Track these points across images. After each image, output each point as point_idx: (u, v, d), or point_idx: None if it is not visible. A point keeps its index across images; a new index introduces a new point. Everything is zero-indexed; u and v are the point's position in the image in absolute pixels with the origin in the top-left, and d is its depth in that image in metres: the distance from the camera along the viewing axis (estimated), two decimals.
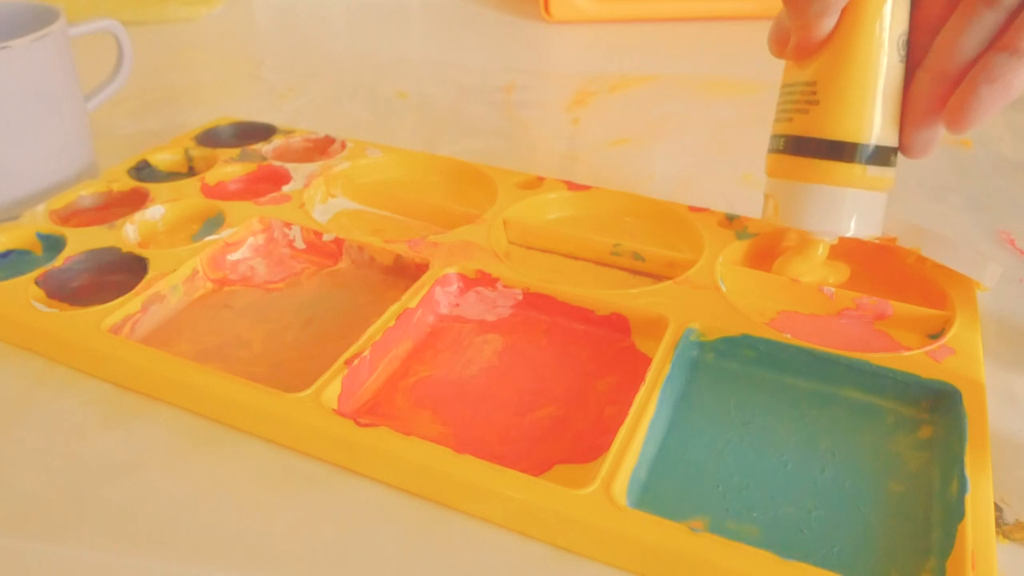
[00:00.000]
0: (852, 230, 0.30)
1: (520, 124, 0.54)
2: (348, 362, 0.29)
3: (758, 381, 0.30)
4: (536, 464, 0.27)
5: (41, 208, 0.38)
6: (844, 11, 0.28)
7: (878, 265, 0.36)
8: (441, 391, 0.30)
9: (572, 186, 0.41)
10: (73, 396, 0.30)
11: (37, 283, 0.33)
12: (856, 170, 0.29)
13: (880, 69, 0.29)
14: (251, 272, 0.36)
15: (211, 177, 0.42)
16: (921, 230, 0.33)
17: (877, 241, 0.34)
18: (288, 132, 0.46)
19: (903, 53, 0.29)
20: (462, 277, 0.35)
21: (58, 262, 0.34)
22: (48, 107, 0.40)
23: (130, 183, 0.41)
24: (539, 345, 0.32)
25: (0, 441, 0.28)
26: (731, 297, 0.33)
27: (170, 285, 0.34)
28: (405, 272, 0.35)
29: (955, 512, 0.24)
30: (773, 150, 0.32)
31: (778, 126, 0.31)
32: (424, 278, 0.34)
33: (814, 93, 0.30)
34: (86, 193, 0.40)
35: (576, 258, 0.38)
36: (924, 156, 0.30)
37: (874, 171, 0.30)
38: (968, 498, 0.24)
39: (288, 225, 0.38)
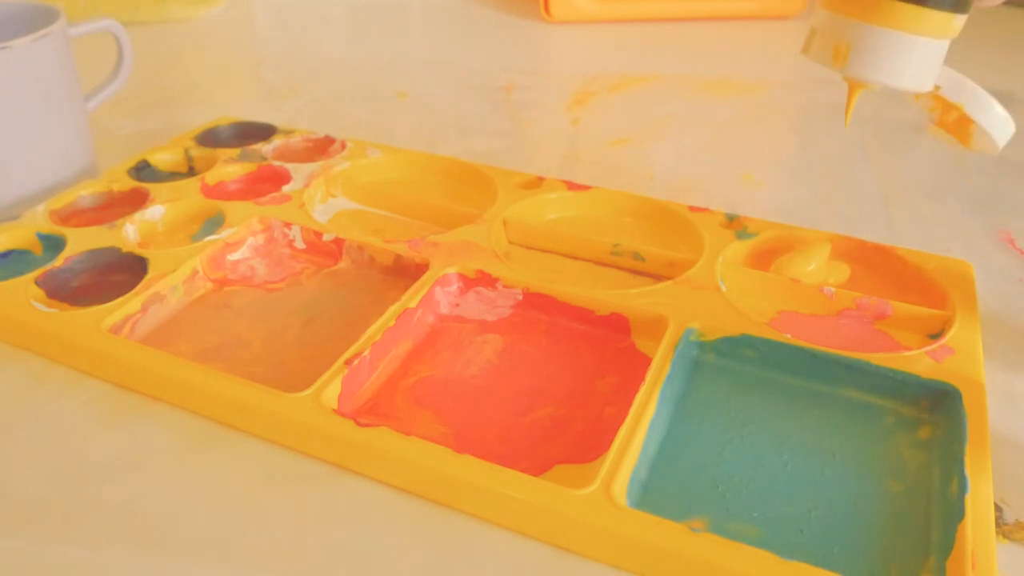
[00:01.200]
0: (922, 84, 0.28)
1: (520, 124, 0.54)
2: (348, 362, 0.29)
3: (758, 381, 0.30)
4: (536, 464, 0.27)
5: (41, 208, 0.38)
6: None
7: (878, 265, 0.36)
8: (441, 391, 0.30)
9: (572, 186, 0.41)
10: (73, 396, 0.30)
11: (37, 283, 0.33)
12: (949, 18, 0.27)
13: None
14: (251, 272, 0.36)
15: (211, 177, 0.42)
16: (962, 81, 0.31)
17: (927, 94, 0.31)
18: (288, 132, 0.46)
19: None
20: (462, 277, 0.35)
21: (58, 262, 0.34)
22: (48, 107, 0.40)
23: (130, 183, 0.41)
24: (539, 345, 0.32)
25: (0, 441, 0.28)
26: (731, 297, 0.33)
27: (170, 285, 0.34)
28: (405, 272, 0.35)
29: (955, 512, 0.24)
30: None
31: None
32: (424, 278, 0.34)
33: None
34: (86, 193, 0.40)
35: (576, 258, 0.38)
36: (996, 3, 0.28)
37: (959, 19, 0.27)
38: (968, 498, 0.24)
39: (288, 225, 0.38)
